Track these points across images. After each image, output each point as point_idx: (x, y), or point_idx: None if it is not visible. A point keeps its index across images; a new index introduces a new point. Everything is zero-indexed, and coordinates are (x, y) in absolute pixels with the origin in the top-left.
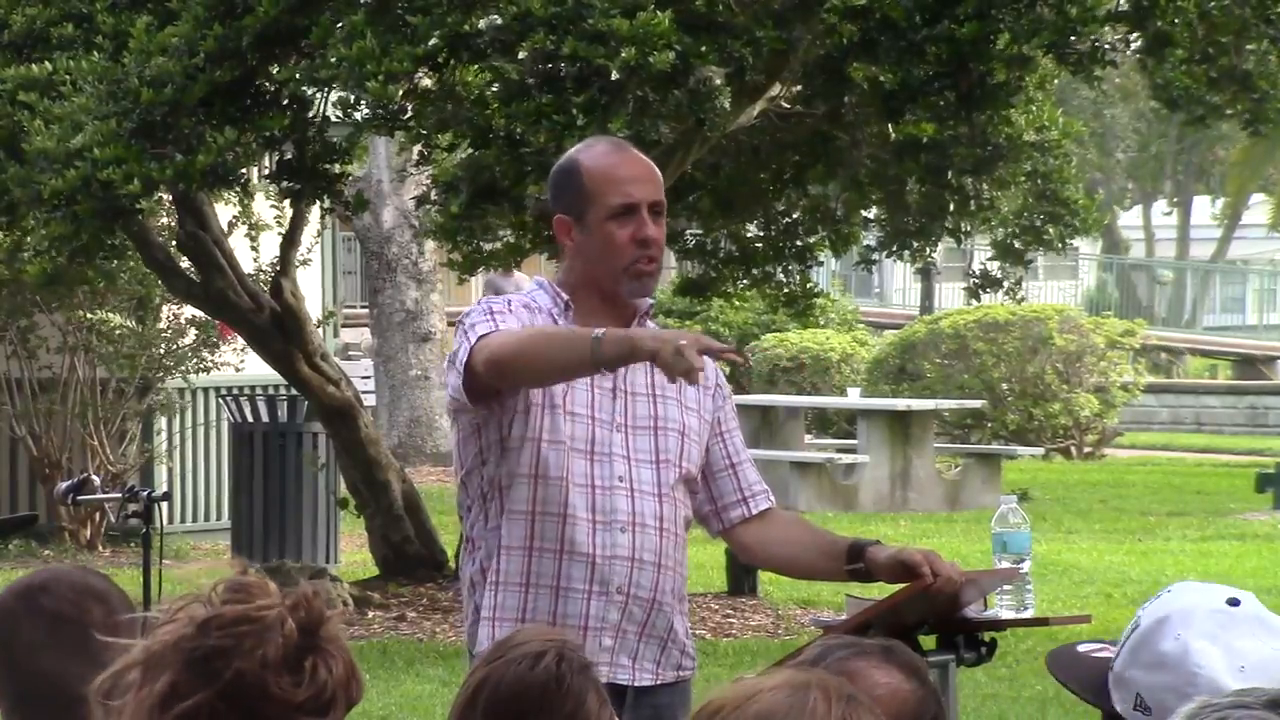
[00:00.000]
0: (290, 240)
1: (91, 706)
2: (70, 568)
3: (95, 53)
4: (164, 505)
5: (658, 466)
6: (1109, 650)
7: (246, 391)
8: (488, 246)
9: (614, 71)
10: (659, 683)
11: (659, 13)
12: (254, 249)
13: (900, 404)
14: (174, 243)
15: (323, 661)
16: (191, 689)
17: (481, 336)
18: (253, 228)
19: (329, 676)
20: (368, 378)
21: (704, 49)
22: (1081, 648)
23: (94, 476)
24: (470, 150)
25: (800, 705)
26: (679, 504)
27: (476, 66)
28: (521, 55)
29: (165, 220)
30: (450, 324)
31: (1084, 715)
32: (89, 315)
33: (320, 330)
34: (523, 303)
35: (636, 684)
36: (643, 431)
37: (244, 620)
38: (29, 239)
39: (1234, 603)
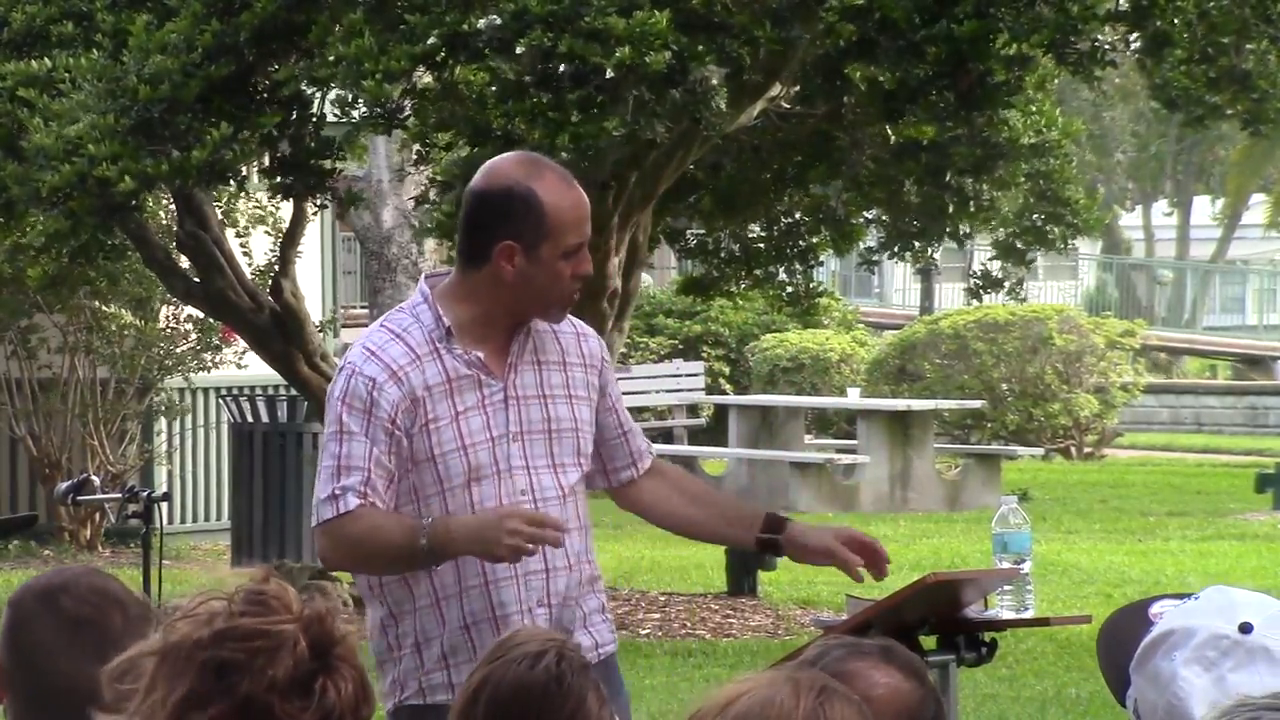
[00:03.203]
0: (290, 240)
1: (104, 689)
2: (87, 569)
3: (95, 50)
4: (164, 505)
5: (556, 470)
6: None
7: (246, 392)
8: None
9: (609, 70)
10: None
11: (656, 12)
12: (244, 247)
13: (900, 404)
14: (173, 242)
15: (333, 682)
16: (199, 700)
17: (324, 520)
18: (233, 223)
19: (338, 698)
20: None
21: (701, 49)
22: (1154, 609)
23: (94, 477)
24: (469, 149)
25: (771, 701)
26: (580, 497)
27: (475, 66)
28: (519, 51)
29: (164, 220)
30: None
31: (1083, 716)
32: (105, 308)
33: (321, 332)
34: (388, 368)
35: None
36: (538, 436)
37: (258, 635)
38: (26, 239)
39: (1246, 629)
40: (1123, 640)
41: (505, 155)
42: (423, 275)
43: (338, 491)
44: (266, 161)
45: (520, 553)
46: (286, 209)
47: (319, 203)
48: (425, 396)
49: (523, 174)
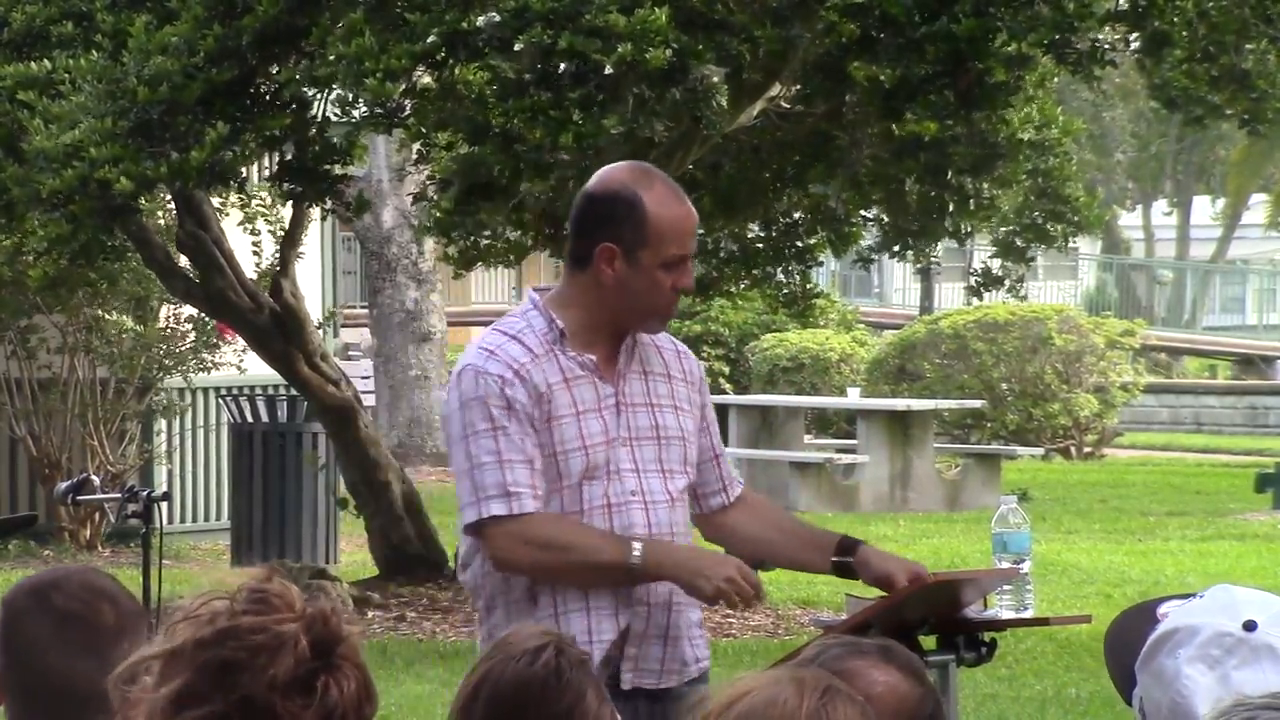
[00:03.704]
0: (290, 240)
1: (110, 695)
2: (81, 567)
3: (94, 51)
4: (164, 505)
5: (664, 475)
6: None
7: (246, 392)
8: (485, 243)
9: (609, 66)
10: (684, 681)
11: (656, 9)
12: (255, 247)
13: (900, 404)
14: (173, 242)
15: (335, 681)
16: (202, 699)
17: (496, 516)
18: (248, 219)
19: (339, 697)
20: (368, 378)
21: (701, 47)
22: (1162, 608)
23: (94, 477)
24: (466, 147)
25: (775, 700)
26: (685, 504)
27: (475, 65)
28: (518, 49)
29: (162, 219)
30: (451, 324)
31: (1083, 716)
32: (103, 315)
33: (320, 331)
34: (510, 366)
35: (661, 686)
36: (647, 442)
37: (260, 633)
38: (27, 241)
39: (1250, 627)
40: (1129, 640)
41: (621, 163)
42: (529, 288)
43: (511, 490)
44: (269, 164)
45: (724, 599)
46: (282, 207)
47: (327, 207)
48: (548, 393)
49: (632, 180)
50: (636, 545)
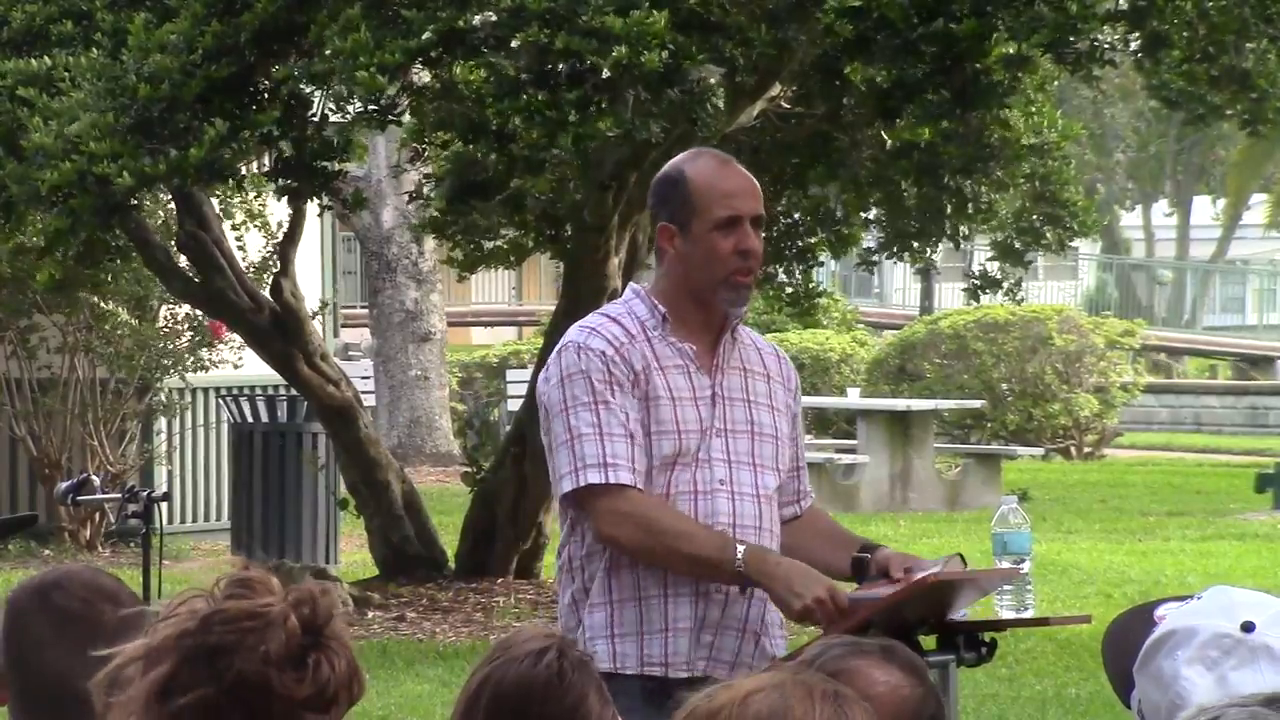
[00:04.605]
0: (290, 239)
1: (95, 701)
2: (83, 567)
3: (94, 49)
4: (164, 505)
5: (755, 470)
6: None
7: (246, 391)
8: (489, 245)
9: (605, 69)
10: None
11: (655, 12)
12: (239, 243)
13: (900, 404)
14: (173, 242)
15: (326, 658)
16: (193, 683)
17: (592, 485)
18: (249, 218)
19: (331, 674)
20: (367, 378)
21: (696, 49)
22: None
23: (94, 477)
24: (461, 144)
25: (785, 706)
26: (774, 505)
27: (471, 63)
28: (515, 45)
29: (162, 217)
30: (451, 324)
31: (1083, 716)
32: (102, 305)
33: (318, 324)
34: (611, 344)
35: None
36: (741, 435)
37: (247, 616)
38: (29, 243)
39: (1248, 628)
40: (1127, 642)
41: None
42: (629, 285)
43: (609, 461)
44: (268, 162)
45: (809, 618)
46: (274, 206)
47: (324, 203)
48: (644, 373)
49: (681, 160)
50: (741, 548)
